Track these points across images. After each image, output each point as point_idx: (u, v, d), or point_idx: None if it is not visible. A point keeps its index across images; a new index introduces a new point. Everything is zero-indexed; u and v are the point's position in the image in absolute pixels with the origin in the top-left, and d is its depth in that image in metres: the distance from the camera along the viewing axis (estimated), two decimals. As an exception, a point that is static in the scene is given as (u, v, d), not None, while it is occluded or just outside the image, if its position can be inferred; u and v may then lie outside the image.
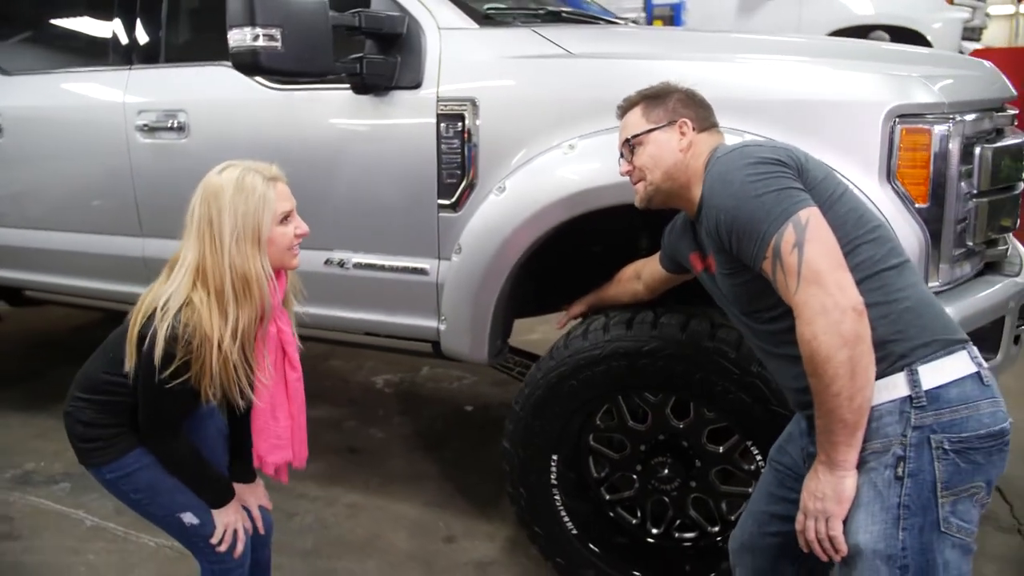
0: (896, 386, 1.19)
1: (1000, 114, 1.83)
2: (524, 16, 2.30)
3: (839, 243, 1.20)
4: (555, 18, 2.42)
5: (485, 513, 2.53)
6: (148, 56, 2.57)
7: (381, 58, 2.01)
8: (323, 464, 2.81)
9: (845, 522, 1.22)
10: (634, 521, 2.05)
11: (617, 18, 2.85)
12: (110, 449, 1.55)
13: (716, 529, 1.96)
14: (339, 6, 1.89)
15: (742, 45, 2.20)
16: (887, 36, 5.60)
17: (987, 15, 6.82)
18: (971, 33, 6.23)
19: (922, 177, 1.62)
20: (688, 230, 1.53)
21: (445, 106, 1.97)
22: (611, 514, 2.07)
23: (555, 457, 1.97)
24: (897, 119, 1.61)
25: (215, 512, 1.62)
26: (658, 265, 1.78)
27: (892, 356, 1.19)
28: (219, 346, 1.41)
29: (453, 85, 1.98)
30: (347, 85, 2.04)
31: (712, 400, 1.79)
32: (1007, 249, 1.93)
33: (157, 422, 1.53)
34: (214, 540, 1.61)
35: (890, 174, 1.63)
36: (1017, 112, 1.95)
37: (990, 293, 1.75)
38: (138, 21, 2.59)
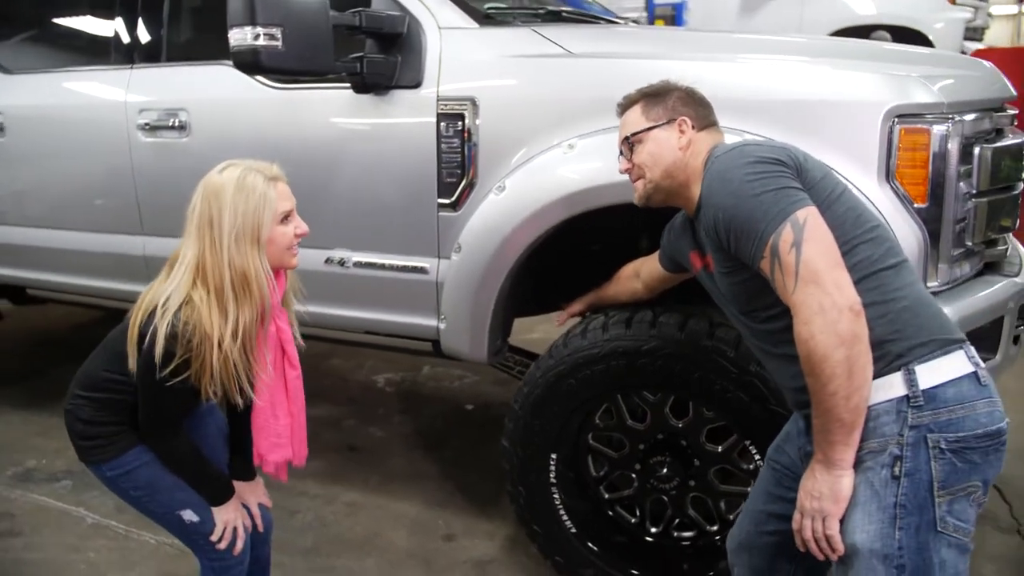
0: (893, 386, 1.19)
1: (1000, 114, 1.83)
2: (524, 16, 2.30)
3: (837, 242, 1.21)
4: (555, 18, 2.42)
5: (485, 512, 2.54)
6: (150, 55, 2.58)
7: (381, 57, 2.02)
8: (323, 462, 2.82)
9: (842, 521, 1.22)
10: (633, 520, 2.05)
11: (618, 18, 2.86)
12: (110, 447, 1.56)
13: (715, 528, 1.96)
14: (340, 5, 1.89)
15: (742, 45, 2.20)
16: (889, 36, 5.60)
17: (989, 15, 6.82)
18: (973, 33, 6.23)
19: (921, 177, 1.62)
20: (687, 229, 1.53)
21: (445, 105, 1.98)
22: (610, 513, 2.07)
23: (554, 456, 1.98)
24: (896, 119, 1.61)
25: (215, 510, 1.62)
26: (657, 264, 1.78)
27: (889, 356, 1.20)
28: (219, 344, 1.42)
29: (453, 84, 1.98)
30: (347, 84, 2.05)
31: (711, 399, 1.79)
32: (1007, 249, 1.93)
33: (157, 420, 1.54)
34: (214, 537, 1.62)
35: (889, 174, 1.63)
36: (1017, 112, 1.95)
37: (989, 293, 1.75)
38: (140, 20, 2.60)
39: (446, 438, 3.10)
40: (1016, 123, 1.93)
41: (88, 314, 4.27)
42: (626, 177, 1.50)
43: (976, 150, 1.68)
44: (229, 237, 1.44)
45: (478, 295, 1.99)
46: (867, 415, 1.19)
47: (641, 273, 1.87)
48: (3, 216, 2.93)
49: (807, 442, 1.32)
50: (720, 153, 1.34)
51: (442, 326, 2.10)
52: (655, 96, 1.45)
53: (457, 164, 1.99)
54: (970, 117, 1.66)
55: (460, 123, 1.96)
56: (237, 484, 1.69)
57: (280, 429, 1.66)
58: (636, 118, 1.45)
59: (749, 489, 1.68)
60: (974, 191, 1.69)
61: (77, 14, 2.89)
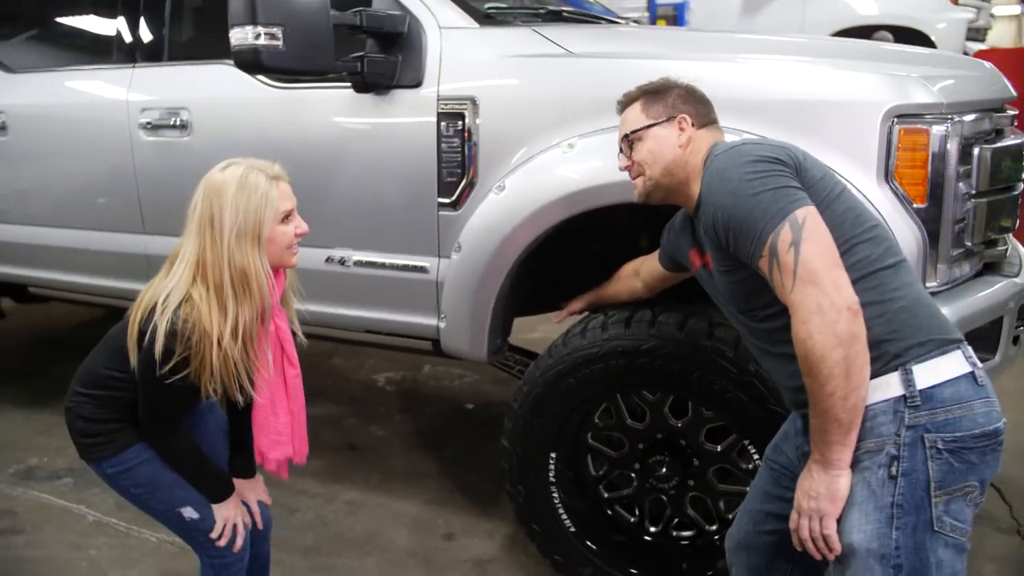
0: (890, 385, 1.19)
1: (1000, 115, 1.83)
2: (525, 16, 2.31)
3: (836, 242, 1.21)
4: (556, 18, 2.42)
5: (485, 511, 2.54)
6: (151, 54, 2.59)
7: (382, 57, 2.02)
8: (323, 461, 2.83)
9: (839, 521, 1.22)
10: (632, 519, 2.06)
11: (619, 18, 2.86)
12: (111, 444, 1.56)
13: (714, 527, 1.97)
14: (340, 5, 1.90)
15: (742, 45, 2.20)
16: (891, 36, 5.59)
17: (992, 15, 6.80)
18: (975, 34, 6.22)
19: (920, 177, 1.62)
20: (687, 227, 1.53)
21: (445, 105, 1.98)
22: (609, 512, 2.07)
23: (553, 455, 1.98)
24: (895, 119, 1.61)
25: (215, 507, 1.63)
26: (657, 263, 1.78)
27: (887, 355, 1.20)
28: (218, 342, 1.42)
29: (453, 84, 1.98)
30: (348, 84, 2.05)
31: (710, 399, 1.79)
32: (1007, 249, 1.93)
33: (157, 417, 1.54)
34: (213, 535, 1.62)
35: (888, 174, 1.63)
36: (1017, 113, 1.94)
37: (989, 293, 1.75)
38: (142, 19, 2.61)
39: (446, 437, 3.11)
40: (1016, 124, 1.93)
41: (90, 312, 4.28)
42: (626, 177, 1.51)
43: (976, 150, 1.68)
44: (230, 235, 1.44)
45: (478, 294, 2.00)
46: (864, 415, 1.19)
47: (641, 272, 1.88)
48: (5, 214, 2.94)
49: (804, 442, 1.32)
50: (720, 151, 1.34)
51: (442, 325, 2.10)
52: (655, 93, 1.46)
53: (457, 163, 1.99)
54: (970, 117, 1.66)
55: (460, 122, 1.97)
56: (237, 482, 1.69)
57: (280, 427, 1.67)
58: (636, 115, 1.46)
59: (748, 488, 1.68)
60: (973, 191, 1.69)
61: (79, 13, 2.89)
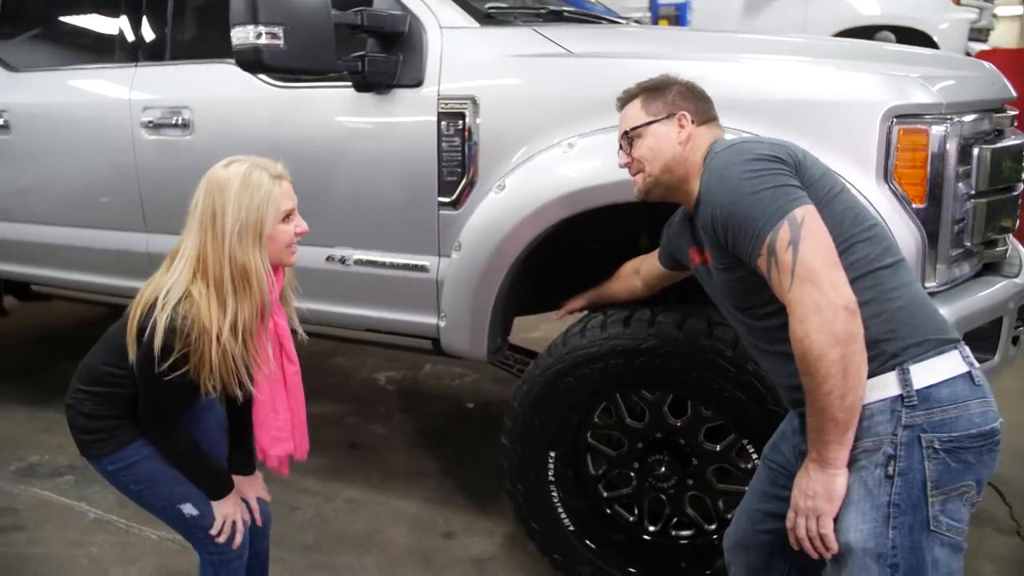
0: (887, 385, 1.19)
1: (1000, 115, 1.83)
2: (525, 15, 2.31)
3: (834, 241, 1.21)
4: (557, 17, 2.43)
5: (485, 510, 2.55)
6: (153, 53, 2.59)
7: (383, 56, 2.03)
8: (324, 459, 2.83)
9: (836, 520, 1.22)
10: (631, 518, 2.06)
11: (620, 18, 2.86)
12: (111, 441, 1.57)
13: (712, 527, 1.97)
14: (341, 4, 1.90)
15: (743, 45, 2.20)
16: (893, 37, 5.58)
17: (994, 16, 6.80)
18: (978, 34, 6.21)
19: (919, 177, 1.62)
20: (687, 224, 1.53)
21: (446, 104, 1.99)
22: (608, 511, 2.08)
23: (553, 454, 1.99)
24: (895, 119, 1.62)
25: (214, 504, 1.63)
26: (657, 262, 1.78)
27: (884, 355, 1.20)
28: (217, 339, 1.43)
29: (454, 83, 1.99)
30: (349, 83, 2.06)
31: (709, 398, 1.80)
32: (1007, 250, 1.93)
33: (156, 414, 1.55)
34: (213, 531, 1.63)
35: (887, 174, 1.63)
36: (1017, 113, 1.94)
37: (988, 294, 1.75)
38: (144, 18, 2.61)
39: (447, 436, 3.11)
40: (1016, 124, 1.93)
41: (92, 310, 4.29)
42: (626, 176, 1.51)
43: (975, 151, 1.68)
44: (232, 232, 1.45)
45: (478, 293, 2.00)
46: (861, 414, 1.19)
47: (641, 271, 1.88)
48: (8, 213, 2.95)
49: (802, 441, 1.32)
50: (719, 149, 1.34)
51: (442, 324, 2.11)
52: (655, 90, 1.46)
53: (458, 163, 1.99)
54: (969, 118, 1.66)
55: (461, 122, 1.97)
56: (236, 479, 1.70)
57: (281, 424, 1.67)
58: (636, 112, 1.46)
59: (747, 488, 1.68)
60: (973, 192, 1.69)
61: (82, 13, 2.90)
